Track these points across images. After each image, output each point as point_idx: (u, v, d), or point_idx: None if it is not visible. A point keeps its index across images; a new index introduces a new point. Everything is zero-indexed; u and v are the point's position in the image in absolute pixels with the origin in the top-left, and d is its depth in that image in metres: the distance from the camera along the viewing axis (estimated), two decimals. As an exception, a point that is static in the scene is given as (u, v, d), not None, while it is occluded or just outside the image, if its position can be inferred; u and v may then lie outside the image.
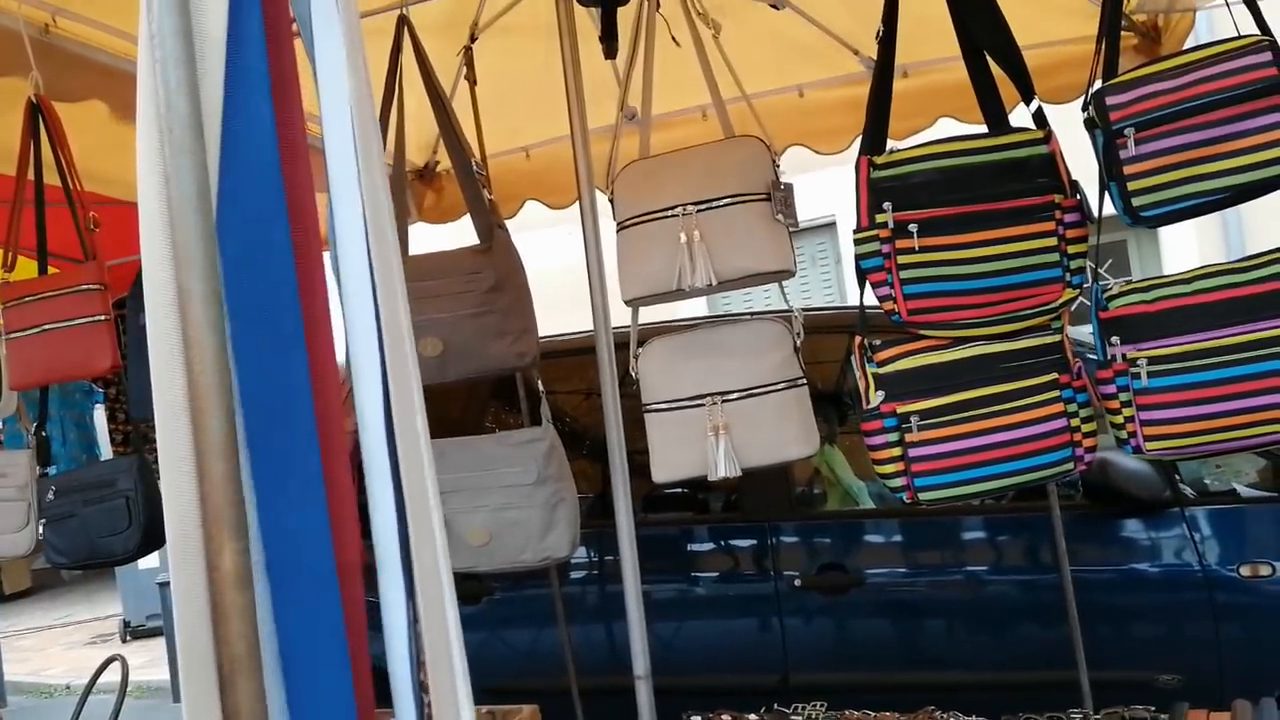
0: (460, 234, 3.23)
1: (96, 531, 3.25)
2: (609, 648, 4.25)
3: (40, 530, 3.36)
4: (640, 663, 3.00)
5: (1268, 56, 2.11)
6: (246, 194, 0.89)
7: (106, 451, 5.28)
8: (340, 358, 0.98)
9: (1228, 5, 2.49)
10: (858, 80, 4.20)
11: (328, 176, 0.93)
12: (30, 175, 3.26)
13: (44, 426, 3.56)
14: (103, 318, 3.15)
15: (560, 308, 4.57)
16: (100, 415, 5.36)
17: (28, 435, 3.55)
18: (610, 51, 2.92)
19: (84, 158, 3.31)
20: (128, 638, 11.58)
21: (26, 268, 3.42)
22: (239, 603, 0.92)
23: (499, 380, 3.86)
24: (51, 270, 3.46)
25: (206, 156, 0.91)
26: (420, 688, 0.91)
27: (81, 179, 3.30)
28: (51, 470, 3.53)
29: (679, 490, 4.52)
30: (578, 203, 3.01)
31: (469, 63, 3.30)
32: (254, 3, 0.88)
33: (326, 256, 0.98)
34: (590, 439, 4.67)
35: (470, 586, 4.43)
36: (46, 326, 3.17)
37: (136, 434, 3.79)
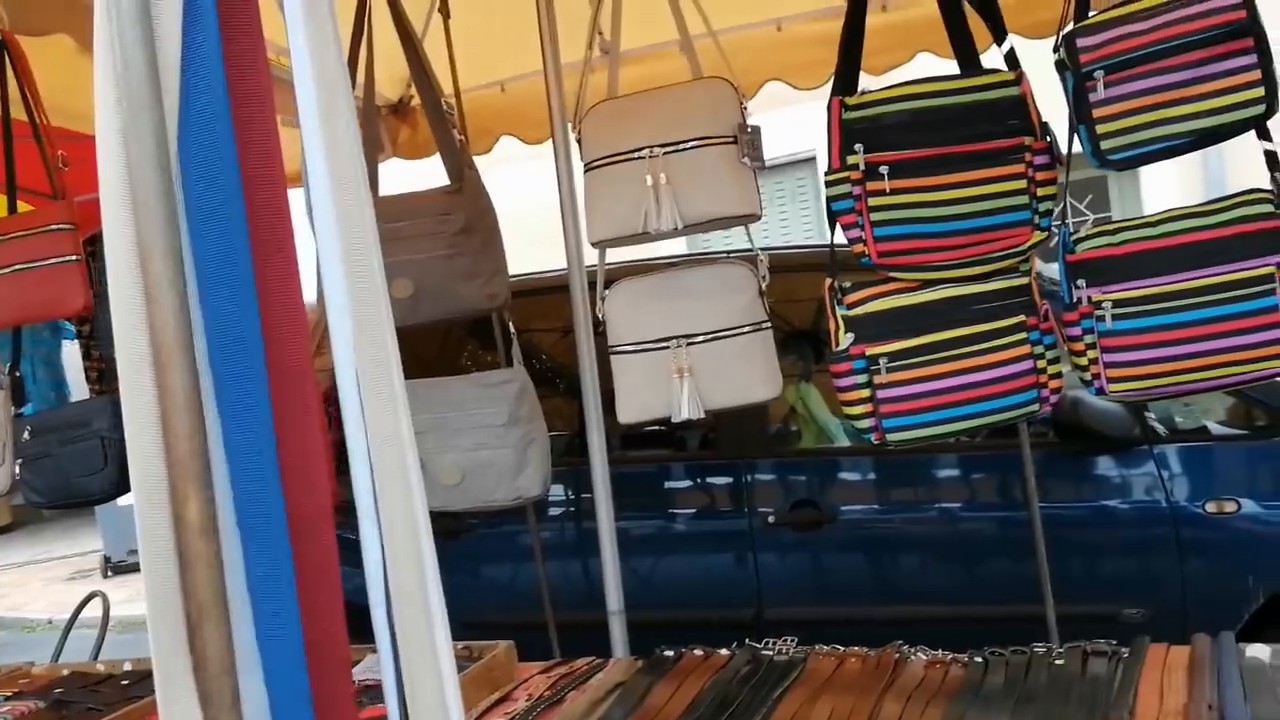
0: (435, 169, 3.22)
1: (73, 471, 3.25)
2: (584, 584, 4.29)
3: (17, 470, 3.36)
4: (614, 598, 3.05)
5: (1238, -1, 2.11)
6: (199, 147, 0.89)
7: (76, 389, 5.27)
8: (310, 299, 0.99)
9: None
10: (836, 14, 4.12)
11: (298, 119, 0.93)
12: (-3, 112, 3.23)
13: (18, 366, 3.55)
14: (74, 258, 3.14)
15: (538, 244, 4.56)
16: (70, 352, 5.34)
17: (1, 375, 3.54)
18: None
19: (49, 92, 3.28)
20: (109, 573, 11.61)
21: (-6, 204, 3.40)
22: (204, 552, 0.93)
23: (475, 320, 3.86)
24: (21, 207, 3.43)
25: (164, 111, 0.92)
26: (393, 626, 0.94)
27: (47, 114, 3.27)
28: (26, 410, 3.52)
29: (655, 428, 4.55)
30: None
31: (442, -7, 3.27)
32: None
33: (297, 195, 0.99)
34: (566, 377, 4.68)
35: (447, 524, 4.45)
36: (17, 266, 3.16)
37: (110, 371, 3.77)
